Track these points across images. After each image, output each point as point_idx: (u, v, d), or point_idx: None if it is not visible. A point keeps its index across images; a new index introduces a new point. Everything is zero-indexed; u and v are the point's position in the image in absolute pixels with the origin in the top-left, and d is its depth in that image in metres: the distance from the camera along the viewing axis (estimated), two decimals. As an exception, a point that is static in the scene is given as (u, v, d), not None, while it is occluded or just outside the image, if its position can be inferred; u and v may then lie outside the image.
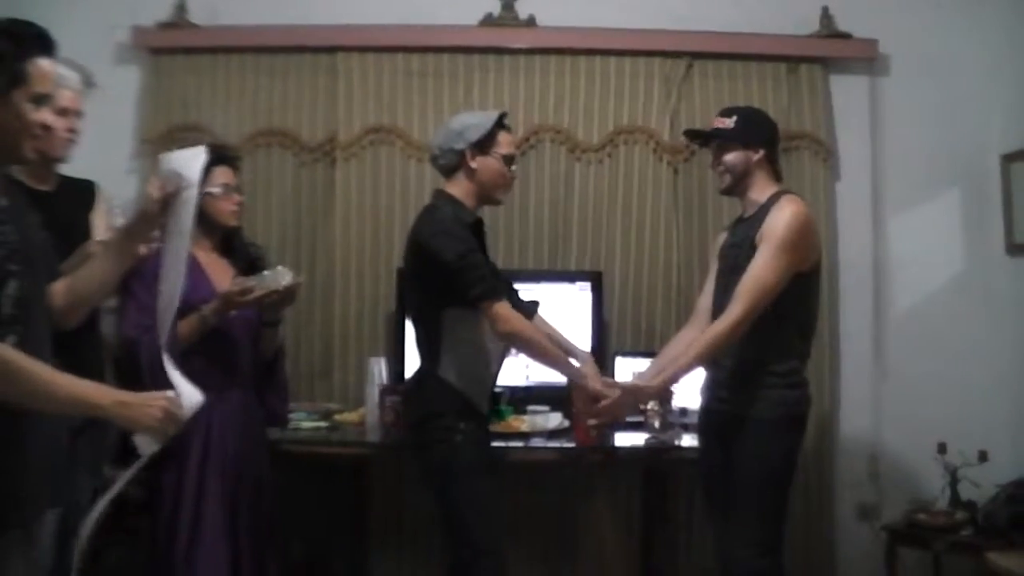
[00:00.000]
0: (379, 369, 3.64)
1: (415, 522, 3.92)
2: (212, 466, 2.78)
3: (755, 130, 2.98)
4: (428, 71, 4.08)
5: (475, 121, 2.97)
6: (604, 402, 2.92)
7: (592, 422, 3.08)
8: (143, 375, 2.59)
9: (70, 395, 1.84)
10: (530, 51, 4.09)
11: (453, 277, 2.80)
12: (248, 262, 3.04)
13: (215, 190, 2.87)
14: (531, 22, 4.09)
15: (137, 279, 2.64)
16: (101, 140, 3.17)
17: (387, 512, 3.94)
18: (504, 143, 2.98)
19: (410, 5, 4.06)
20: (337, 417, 3.71)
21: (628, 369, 3.67)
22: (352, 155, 4.04)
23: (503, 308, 2.82)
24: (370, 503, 3.92)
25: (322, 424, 3.65)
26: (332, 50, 4.08)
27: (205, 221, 2.83)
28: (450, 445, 2.83)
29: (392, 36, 4.06)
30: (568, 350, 3.12)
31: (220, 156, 2.88)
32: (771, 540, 2.88)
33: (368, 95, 4.06)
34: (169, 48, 4.08)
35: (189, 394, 2.08)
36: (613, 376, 3.63)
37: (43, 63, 1.89)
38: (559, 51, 4.09)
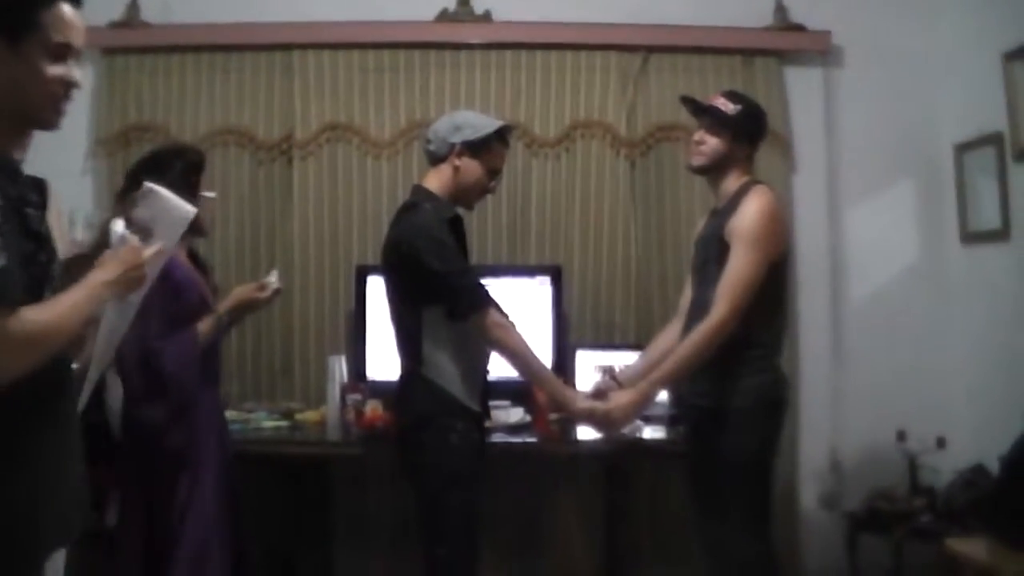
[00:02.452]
0: (339, 367, 3.62)
1: (378, 521, 3.90)
2: (221, 464, 2.85)
3: (751, 127, 2.95)
4: (384, 67, 4.06)
5: (476, 122, 2.92)
6: (609, 411, 2.88)
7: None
8: (167, 382, 2.69)
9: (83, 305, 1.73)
10: (486, 46, 4.08)
11: (439, 287, 2.75)
12: (203, 271, 3.03)
13: (210, 194, 2.90)
14: (487, 17, 4.08)
15: (156, 286, 2.61)
16: (54, 141, 3.08)
17: (350, 511, 3.92)
18: (497, 155, 2.93)
19: (365, 1, 4.03)
20: (298, 416, 3.70)
21: (588, 362, 3.65)
22: (309, 153, 4.02)
23: (493, 316, 2.76)
24: (332, 502, 3.90)
25: (283, 423, 3.64)
26: (287, 47, 4.05)
27: (193, 224, 2.83)
28: (445, 447, 2.77)
29: (348, 33, 4.04)
30: None
31: (202, 164, 2.89)
32: (759, 528, 2.88)
33: (324, 92, 4.04)
34: (122, 47, 4.03)
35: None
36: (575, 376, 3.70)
37: (61, 8, 1.68)
38: (515, 46, 4.08)
